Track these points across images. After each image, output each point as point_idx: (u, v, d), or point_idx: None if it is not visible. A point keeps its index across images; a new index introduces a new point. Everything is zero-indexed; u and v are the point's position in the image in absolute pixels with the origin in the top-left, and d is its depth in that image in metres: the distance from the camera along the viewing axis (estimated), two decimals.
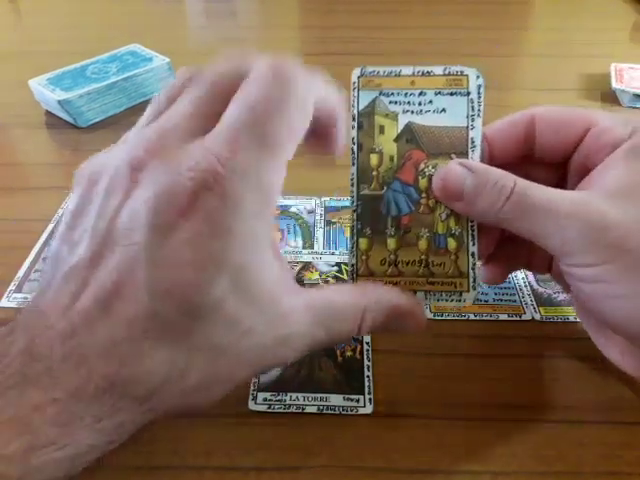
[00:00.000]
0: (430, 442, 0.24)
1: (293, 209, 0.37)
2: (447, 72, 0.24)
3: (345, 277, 0.32)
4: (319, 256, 0.33)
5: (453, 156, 0.23)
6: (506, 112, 0.25)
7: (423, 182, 0.23)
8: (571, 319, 0.29)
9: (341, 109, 0.22)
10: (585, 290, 0.22)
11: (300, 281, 0.32)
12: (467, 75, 0.23)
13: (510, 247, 0.27)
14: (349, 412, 0.25)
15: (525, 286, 0.32)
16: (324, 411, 0.25)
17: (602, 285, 0.21)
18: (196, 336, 0.18)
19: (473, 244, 0.23)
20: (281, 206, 0.37)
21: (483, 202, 0.22)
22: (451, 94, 0.23)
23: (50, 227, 0.36)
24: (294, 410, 0.25)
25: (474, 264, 0.23)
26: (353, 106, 0.24)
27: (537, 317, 0.30)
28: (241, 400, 0.25)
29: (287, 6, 0.76)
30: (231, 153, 0.17)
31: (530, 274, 0.32)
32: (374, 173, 0.24)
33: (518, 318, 0.30)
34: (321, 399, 0.25)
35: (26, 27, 0.70)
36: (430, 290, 0.24)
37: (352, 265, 0.24)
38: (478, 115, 0.23)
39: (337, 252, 0.34)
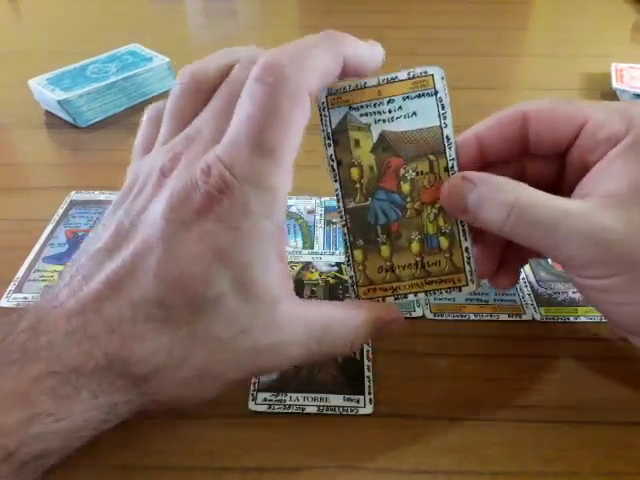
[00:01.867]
0: (430, 442, 0.24)
1: (293, 209, 0.37)
2: (412, 75, 0.24)
3: (345, 277, 0.32)
4: (319, 256, 0.33)
5: (431, 157, 0.24)
6: None
7: (405, 187, 0.24)
8: (571, 319, 0.29)
9: (370, 63, 0.22)
10: (596, 297, 0.22)
11: (300, 281, 0.32)
12: (432, 75, 0.23)
13: (517, 247, 0.27)
14: (349, 412, 0.25)
15: (525, 286, 0.32)
16: (324, 411, 0.25)
17: (613, 294, 0.21)
18: (196, 327, 0.19)
19: (465, 239, 0.24)
20: None
21: (486, 216, 0.22)
22: (419, 96, 0.24)
23: (50, 227, 0.36)
24: (294, 410, 0.25)
25: (469, 258, 0.24)
26: (326, 125, 0.24)
27: (537, 317, 0.29)
28: (241, 400, 0.25)
29: (287, 6, 0.76)
30: (236, 162, 0.19)
31: (530, 274, 0.32)
32: (357, 186, 0.24)
33: (518, 318, 0.29)
34: (321, 399, 0.25)
35: (26, 27, 0.70)
36: (430, 290, 0.24)
37: (351, 277, 0.25)
38: (449, 112, 0.24)
39: (337, 252, 0.34)
